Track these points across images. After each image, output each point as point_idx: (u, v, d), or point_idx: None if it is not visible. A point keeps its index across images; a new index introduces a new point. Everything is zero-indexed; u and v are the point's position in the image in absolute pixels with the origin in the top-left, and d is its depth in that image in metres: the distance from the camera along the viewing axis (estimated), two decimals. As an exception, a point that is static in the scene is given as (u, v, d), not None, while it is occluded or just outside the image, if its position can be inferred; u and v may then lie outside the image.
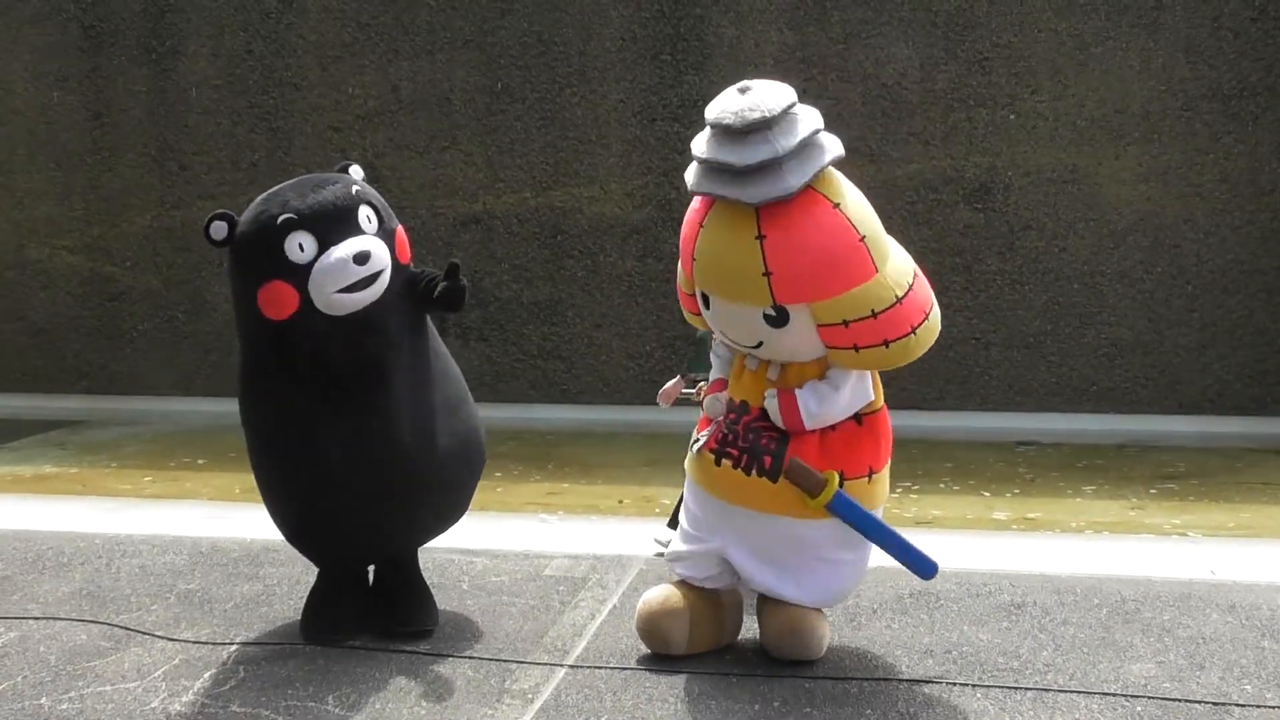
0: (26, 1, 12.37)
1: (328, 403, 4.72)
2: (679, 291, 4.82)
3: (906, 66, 10.79)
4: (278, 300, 4.55)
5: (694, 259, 4.43)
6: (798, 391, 4.45)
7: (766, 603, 4.72)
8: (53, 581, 5.80)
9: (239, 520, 7.28)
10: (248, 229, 4.63)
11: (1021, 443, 10.17)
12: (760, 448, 4.49)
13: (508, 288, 11.46)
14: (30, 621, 5.26)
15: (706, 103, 4.37)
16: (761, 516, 4.53)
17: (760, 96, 4.19)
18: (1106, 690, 4.39)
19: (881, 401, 4.72)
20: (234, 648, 4.93)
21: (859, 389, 4.54)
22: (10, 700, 4.46)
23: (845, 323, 4.26)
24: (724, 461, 4.55)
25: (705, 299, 4.52)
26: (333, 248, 4.54)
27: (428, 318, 4.99)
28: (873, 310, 4.25)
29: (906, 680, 4.52)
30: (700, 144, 4.29)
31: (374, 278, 4.57)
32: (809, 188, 4.23)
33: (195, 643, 4.99)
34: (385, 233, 4.72)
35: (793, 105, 4.24)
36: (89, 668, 4.75)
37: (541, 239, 11.51)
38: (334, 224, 4.58)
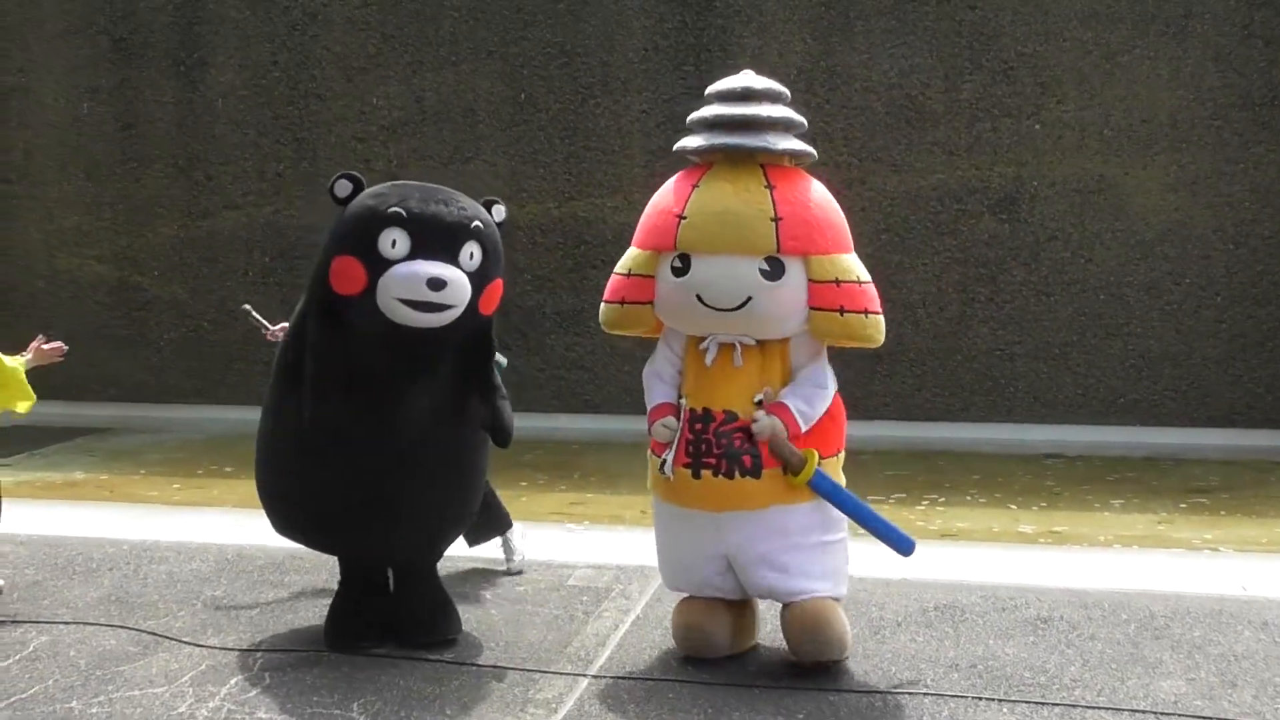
0: (59, 16, 12.48)
1: (349, 403, 4.75)
2: (616, 283, 4.80)
3: (930, 76, 10.78)
4: (347, 276, 4.59)
5: (682, 217, 4.53)
6: (786, 400, 4.56)
7: (783, 608, 4.74)
8: (82, 586, 5.84)
9: (264, 528, 7.24)
10: (361, 201, 4.68)
11: (1049, 455, 10.12)
12: (736, 449, 4.55)
13: (530, 298, 11.48)
14: (60, 626, 5.30)
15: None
16: (751, 515, 4.58)
17: (767, 78, 4.73)
18: (1135, 707, 4.36)
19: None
20: (260, 654, 4.95)
21: (831, 384, 4.70)
22: (41, 703, 4.49)
23: (838, 281, 4.48)
24: (703, 472, 4.58)
25: (682, 265, 4.53)
26: (419, 260, 4.55)
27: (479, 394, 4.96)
28: (858, 278, 4.56)
29: (932, 694, 4.49)
30: (709, 109, 4.65)
31: (442, 308, 4.56)
32: (796, 166, 4.70)
33: (222, 648, 5.01)
34: (480, 276, 4.66)
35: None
36: (118, 672, 4.78)
37: (565, 249, 11.53)
38: (435, 240, 4.58)
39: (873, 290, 4.61)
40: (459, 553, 5.31)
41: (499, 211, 4.87)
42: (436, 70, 11.69)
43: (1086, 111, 10.61)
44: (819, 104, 10.43)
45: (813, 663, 4.65)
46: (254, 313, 6.19)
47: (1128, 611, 5.36)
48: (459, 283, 4.56)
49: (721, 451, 4.54)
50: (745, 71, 4.76)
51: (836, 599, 4.74)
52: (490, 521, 5.99)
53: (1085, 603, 5.48)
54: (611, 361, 11.44)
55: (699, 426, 4.59)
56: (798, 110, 4.73)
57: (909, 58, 10.81)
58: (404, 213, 4.59)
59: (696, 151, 4.68)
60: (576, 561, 6.23)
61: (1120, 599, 5.53)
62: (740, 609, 4.84)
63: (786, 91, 4.70)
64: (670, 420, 4.66)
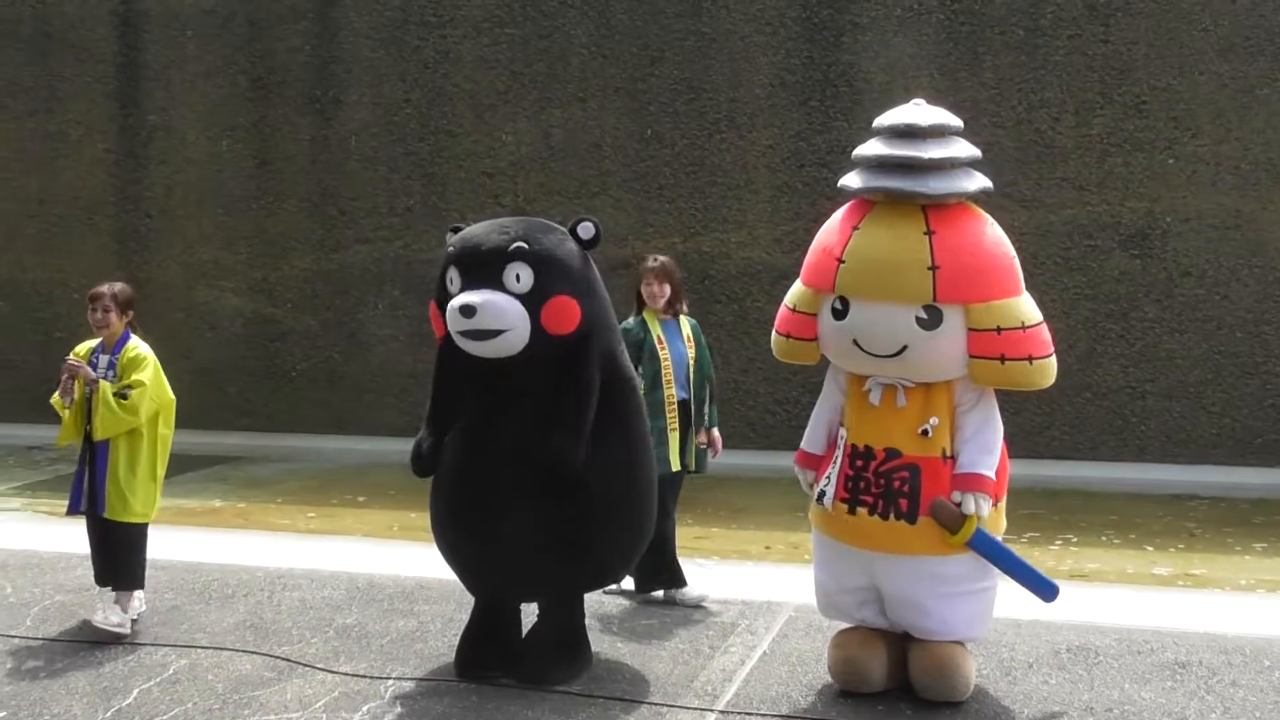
0: (201, 57, 12.92)
1: (461, 438, 4.90)
2: (785, 315, 4.77)
3: (1060, 111, 10.63)
4: (435, 320, 4.82)
5: (841, 261, 4.45)
6: (978, 468, 4.45)
7: (912, 642, 4.69)
8: (219, 612, 5.99)
9: (394, 557, 7.45)
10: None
11: (1185, 496, 9.84)
12: (895, 491, 4.49)
13: (655, 332, 11.53)
14: (198, 650, 5.43)
15: (855, 148, 4.59)
16: (903, 559, 4.53)
17: (937, 109, 4.52)
18: (1281, 757, 4.23)
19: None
20: (391, 682, 5.02)
21: (1000, 428, 4.59)
22: (180, 726, 4.62)
23: (998, 329, 4.34)
24: (859, 510, 4.54)
25: (842, 308, 4.49)
26: (464, 291, 4.63)
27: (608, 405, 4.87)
28: (1023, 323, 4.38)
29: (1066, 737, 4.40)
30: (871, 148, 4.49)
31: (487, 334, 4.59)
32: (966, 203, 4.48)
33: (354, 675, 5.10)
34: (536, 296, 4.61)
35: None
36: (253, 697, 4.89)
37: (689, 284, 11.48)
38: (475, 269, 4.65)
39: (1041, 333, 4.44)
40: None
41: (585, 229, 4.78)
42: (564, 107, 11.85)
43: (1223, 146, 10.37)
44: (946, 139, 10.32)
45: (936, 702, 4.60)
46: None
47: (1270, 658, 5.19)
48: (493, 306, 4.56)
49: (880, 490, 4.49)
50: (914, 103, 4.55)
51: (968, 642, 4.67)
52: (660, 574, 6.00)
53: (1225, 648, 5.32)
54: (735, 396, 11.42)
55: (860, 463, 4.56)
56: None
57: (1038, 92, 10.68)
58: (453, 248, 4.72)
59: (857, 193, 4.54)
60: (702, 596, 6.21)
61: (1263, 645, 5.36)
62: (897, 641, 4.76)
63: (957, 123, 4.49)
64: (808, 475, 4.75)
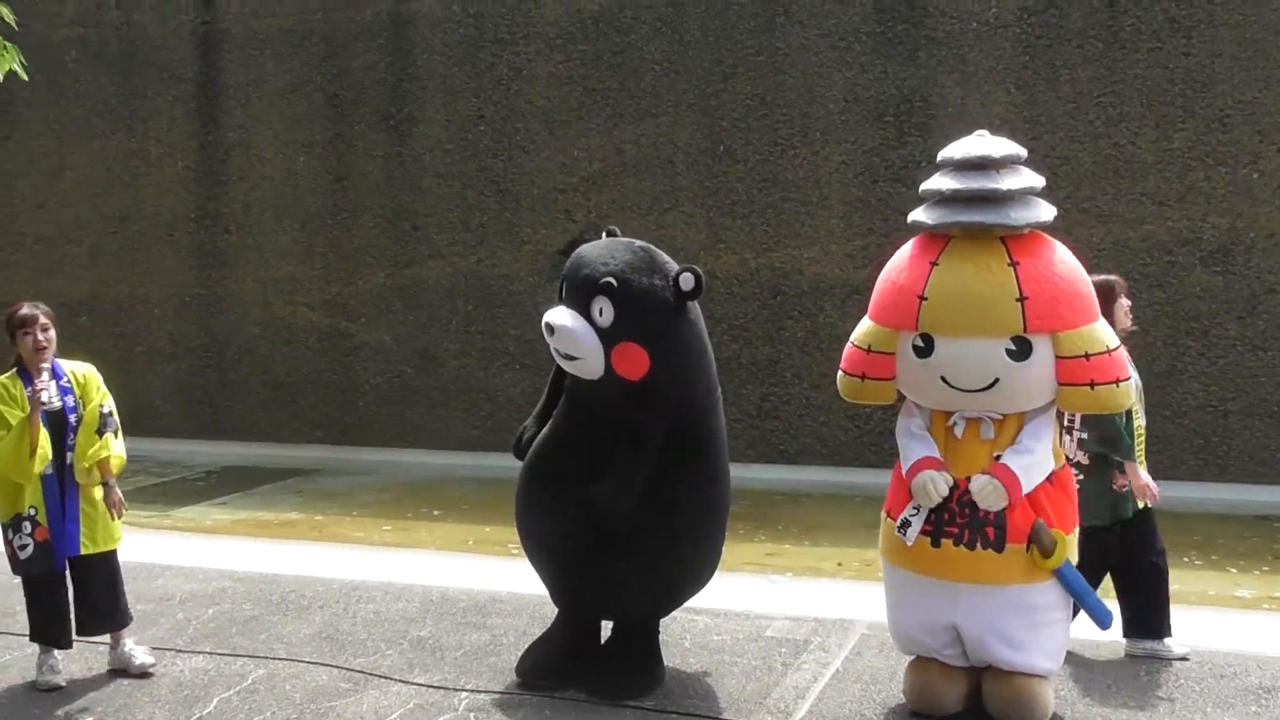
0: (278, 75, 13.12)
1: (552, 443, 4.98)
2: (856, 356, 4.64)
3: (1140, 125, 10.49)
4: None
5: (923, 298, 4.40)
6: (1007, 460, 4.42)
7: (990, 671, 4.63)
8: (295, 623, 6.05)
9: (467, 570, 7.50)
10: None
11: (1271, 517, 9.61)
12: (981, 520, 4.44)
13: (727, 348, 11.50)
14: (276, 661, 5.49)
15: (930, 164, 4.59)
16: (990, 589, 4.48)
17: (1003, 140, 4.48)
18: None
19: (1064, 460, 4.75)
20: (465, 694, 5.05)
21: (1051, 447, 4.53)
22: (257, 736, 4.67)
23: (1087, 355, 4.32)
24: (944, 541, 4.49)
25: (925, 345, 4.44)
26: (558, 308, 4.74)
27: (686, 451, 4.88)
28: (1107, 347, 4.38)
29: (1149, 762, 4.32)
30: (942, 181, 4.43)
31: (567, 357, 4.70)
32: (1038, 231, 4.46)
33: (428, 687, 5.13)
34: (610, 334, 4.63)
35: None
36: (330, 708, 4.93)
37: (761, 299, 11.54)
38: (571, 292, 4.74)
39: (1121, 355, 4.46)
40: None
41: (685, 280, 4.68)
42: (637, 123, 11.88)
43: (1309, 160, 10.17)
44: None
45: None
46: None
47: (1361, 685, 5.07)
48: (569, 332, 4.63)
49: (966, 520, 4.46)
50: (979, 135, 4.51)
51: (1047, 672, 4.63)
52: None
53: (1313, 674, 5.20)
54: (806, 412, 11.38)
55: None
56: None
57: (1117, 106, 10.55)
58: (570, 262, 4.82)
59: (934, 228, 4.48)
60: (774, 613, 6.19)
61: (1353, 671, 5.23)
62: (974, 670, 4.71)
63: (1023, 152, 4.47)
64: (943, 477, 4.47)
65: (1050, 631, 4.57)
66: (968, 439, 4.50)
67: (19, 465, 5.11)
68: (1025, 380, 4.35)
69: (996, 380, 4.35)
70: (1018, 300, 4.25)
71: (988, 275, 4.30)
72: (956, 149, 4.46)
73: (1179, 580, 7.77)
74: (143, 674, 5.33)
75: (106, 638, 5.46)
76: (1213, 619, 6.67)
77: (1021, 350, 4.29)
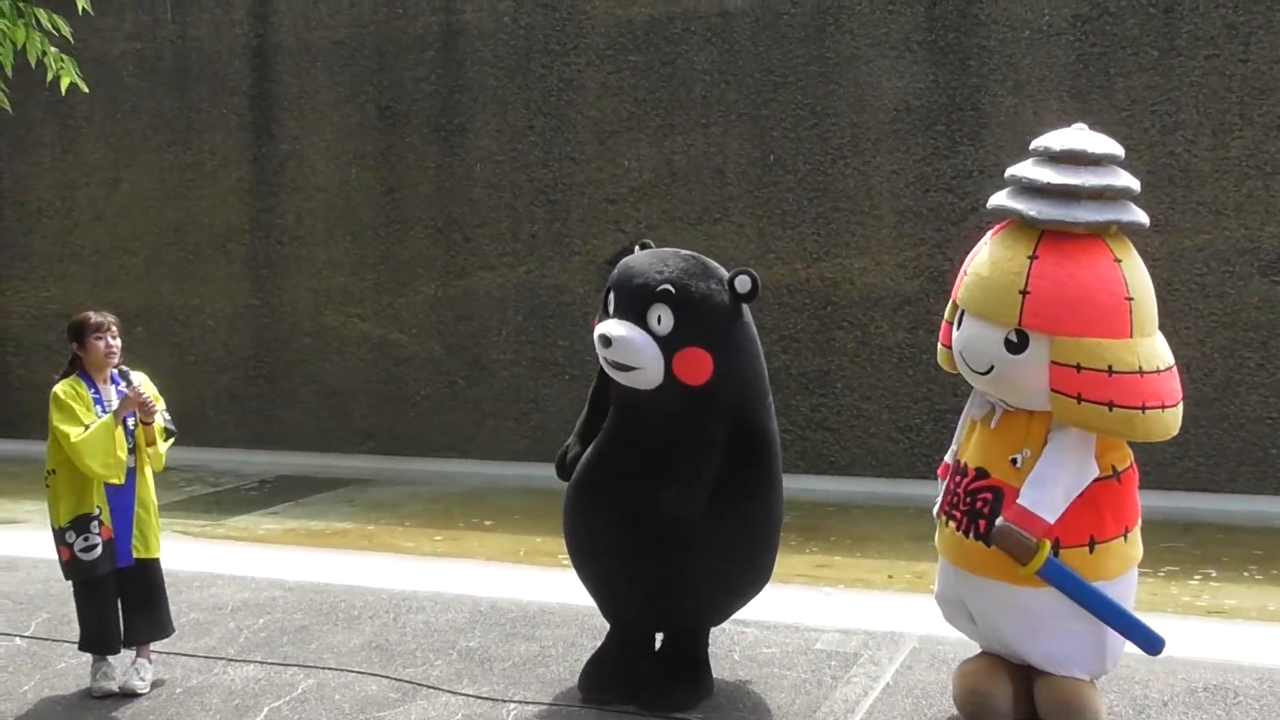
0: (330, 86, 13.23)
1: (601, 458, 4.95)
2: (943, 326, 4.83)
3: (1196, 133, 10.36)
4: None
5: (965, 273, 4.57)
6: (1021, 500, 4.31)
7: (1036, 675, 4.57)
8: (345, 633, 6.08)
9: (516, 581, 7.51)
10: None
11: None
12: (976, 511, 4.45)
13: (777, 358, 11.46)
14: (326, 671, 5.52)
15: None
16: (980, 581, 4.50)
17: (1102, 136, 4.49)
18: None
19: (1109, 471, 4.48)
20: (513, 705, 5.05)
21: (1084, 468, 4.37)
22: (307, 745, 4.69)
23: (1078, 367, 4.25)
24: (949, 524, 4.58)
25: (960, 319, 4.58)
26: (610, 319, 4.71)
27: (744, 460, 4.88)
28: (1110, 366, 4.22)
29: (1206, 780, 4.25)
30: (1026, 169, 4.45)
31: (622, 367, 4.65)
32: (1098, 237, 4.37)
33: (477, 698, 5.13)
34: (670, 341, 4.61)
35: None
36: (379, 718, 4.95)
37: (811, 310, 11.49)
38: (624, 301, 4.70)
39: (1141, 384, 4.22)
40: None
41: (741, 283, 4.72)
42: (687, 133, 11.87)
43: (1370, 167, 10.00)
44: (1075, 162, 10.11)
45: None
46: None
47: None
48: (627, 342, 4.59)
49: (966, 508, 4.50)
50: (1074, 127, 4.53)
51: (1094, 678, 4.55)
52: None
53: (1376, 692, 5.10)
54: (857, 424, 11.32)
55: (958, 479, 4.62)
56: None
57: (1173, 114, 10.42)
58: (616, 274, 4.77)
59: (993, 212, 4.56)
60: (824, 625, 6.16)
61: None
62: (1023, 673, 4.63)
63: (1096, 151, 4.37)
64: (942, 486, 4.76)
65: (1062, 639, 4.46)
66: (983, 425, 4.58)
67: (112, 459, 5.19)
68: (1018, 375, 4.37)
69: (993, 367, 4.42)
70: (1020, 293, 4.30)
71: (1005, 263, 4.38)
72: (1052, 138, 4.47)
73: (1237, 596, 7.71)
74: (130, 692, 5.29)
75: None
76: (1272, 635, 6.55)
77: (1019, 343, 4.33)
